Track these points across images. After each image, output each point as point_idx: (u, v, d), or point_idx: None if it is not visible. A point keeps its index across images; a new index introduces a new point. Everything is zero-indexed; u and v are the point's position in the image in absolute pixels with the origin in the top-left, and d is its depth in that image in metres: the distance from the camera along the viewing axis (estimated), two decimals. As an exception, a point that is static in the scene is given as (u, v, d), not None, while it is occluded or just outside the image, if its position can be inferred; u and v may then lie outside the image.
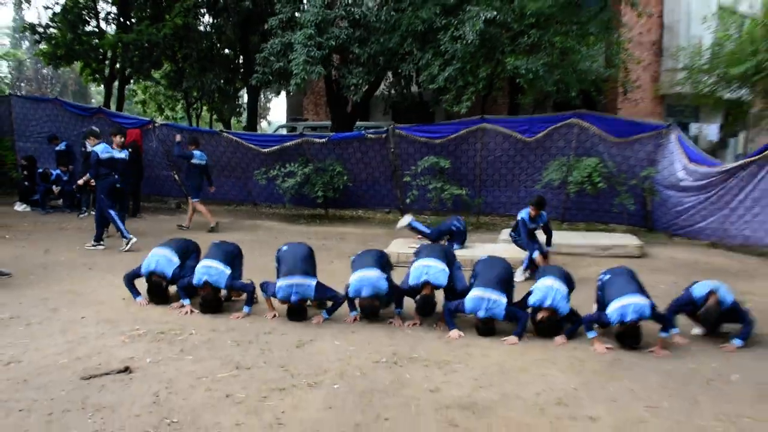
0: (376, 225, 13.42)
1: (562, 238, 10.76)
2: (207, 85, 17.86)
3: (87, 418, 4.03)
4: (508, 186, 13.46)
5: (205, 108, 23.45)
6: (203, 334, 5.96)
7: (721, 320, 6.15)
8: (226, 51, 19.28)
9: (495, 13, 12.68)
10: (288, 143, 13.92)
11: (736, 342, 5.93)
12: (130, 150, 11.31)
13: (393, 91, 17.84)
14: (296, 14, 14.37)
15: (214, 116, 25.34)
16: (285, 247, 7.07)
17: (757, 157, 10.84)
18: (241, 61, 19.73)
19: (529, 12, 13.07)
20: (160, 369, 4.94)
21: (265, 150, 13.99)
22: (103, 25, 20.26)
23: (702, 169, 11.64)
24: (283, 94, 22.44)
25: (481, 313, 6.03)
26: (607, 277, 6.36)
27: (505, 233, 11.21)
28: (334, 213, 14.21)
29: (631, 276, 6.25)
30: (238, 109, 22.25)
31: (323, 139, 13.72)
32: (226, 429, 3.93)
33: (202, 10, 18.48)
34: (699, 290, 6.19)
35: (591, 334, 5.88)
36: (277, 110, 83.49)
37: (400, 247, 10.15)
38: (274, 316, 6.61)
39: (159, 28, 16.87)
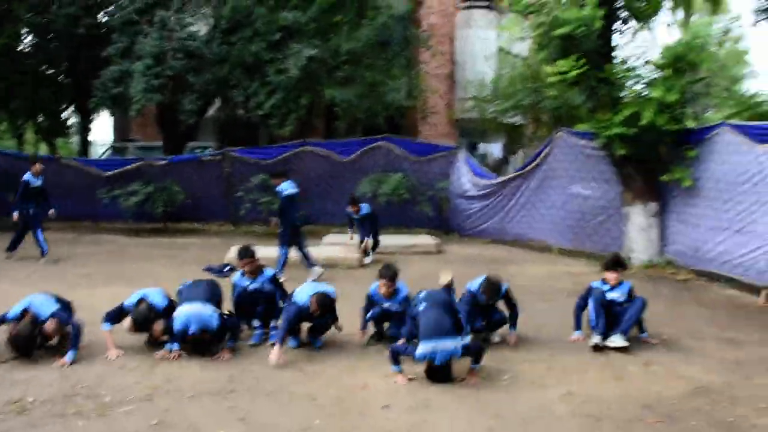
0: (212, 235, 14.86)
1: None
2: (37, 105, 18.18)
3: None
4: (328, 199, 15.54)
5: (29, 130, 23.19)
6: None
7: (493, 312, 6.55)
8: (54, 73, 19.41)
9: (315, 50, 14.75)
10: (130, 166, 15.07)
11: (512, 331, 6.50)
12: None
13: (222, 115, 19.33)
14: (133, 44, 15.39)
15: (39, 137, 25.03)
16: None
17: (521, 172, 13.93)
18: (70, 84, 20.03)
19: (344, 50, 15.38)
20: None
21: (107, 174, 15.04)
22: None
23: (483, 182, 14.54)
24: (107, 114, 22.93)
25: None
26: (422, 307, 5.61)
27: (328, 238, 13.35)
28: (174, 226, 15.44)
29: (444, 310, 5.61)
30: (65, 130, 22.34)
31: (163, 162, 15.05)
32: None
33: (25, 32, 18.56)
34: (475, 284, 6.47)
35: (395, 368, 5.44)
36: (100, 130, 79.50)
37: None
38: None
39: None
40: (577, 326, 6.73)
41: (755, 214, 9.25)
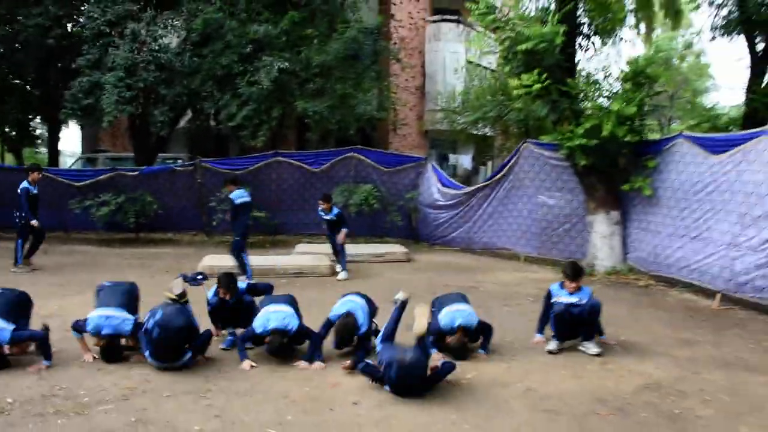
0: (185, 245, 14.96)
1: (346, 249, 13.28)
2: (3, 115, 18.08)
3: None
4: (300, 209, 15.74)
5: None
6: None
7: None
8: (21, 83, 19.25)
9: (286, 63, 14.99)
10: (101, 177, 15.11)
11: (482, 352, 6.49)
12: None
13: (193, 126, 19.45)
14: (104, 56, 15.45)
15: (5, 147, 24.72)
16: (107, 283, 6.76)
17: (488, 182, 14.29)
18: (38, 95, 19.89)
19: (315, 63, 15.63)
20: None
21: (78, 184, 15.08)
22: None
23: (451, 192, 14.87)
24: (76, 125, 22.84)
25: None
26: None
27: (299, 247, 13.56)
28: (146, 236, 15.51)
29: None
30: (32, 141, 22.12)
31: (135, 173, 15.15)
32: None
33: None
34: (445, 320, 6.39)
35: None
36: (68, 140, 78.61)
37: (213, 261, 11.89)
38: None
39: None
40: (540, 330, 6.99)
41: (710, 221, 9.69)
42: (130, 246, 14.73)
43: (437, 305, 6.70)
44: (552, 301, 6.72)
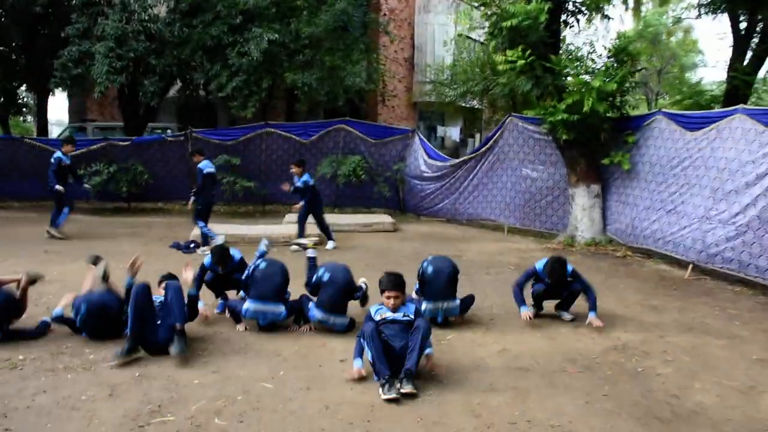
0: (176, 215, 15.24)
1: (335, 219, 13.62)
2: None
3: None
4: (289, 179, 15.98)
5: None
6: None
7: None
8: (7, 51, 19.16)
9: (276, 35, 15.15)
10: (93, 146, 15.29)
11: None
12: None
13: (182, 96, 19.57)
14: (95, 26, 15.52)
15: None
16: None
17: (474, 154, 14.61)
18: (24, 63, 19.85)
19: (304, 35, 15.81)
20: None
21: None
22: None
23: (438, 164, 15.20)
24: (62, 94, 22.84)
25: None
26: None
27: (288, 217, 13.87)
28: (137, 206, 15.78)
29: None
30: (19, 110, 22.08)
31: (126, 143, 15.36)
32: None
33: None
34: (429, 310, 6.46)
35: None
36: (54, 110, 77.53)
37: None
38: None
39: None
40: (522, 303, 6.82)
41: (684, 195, 10.10)
42: (122, 215, 15.00)
43: (426, 279, 6.61)
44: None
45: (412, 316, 5.23)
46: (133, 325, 5.27)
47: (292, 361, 5.39)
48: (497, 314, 7.05)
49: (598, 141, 11.67)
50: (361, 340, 5.02)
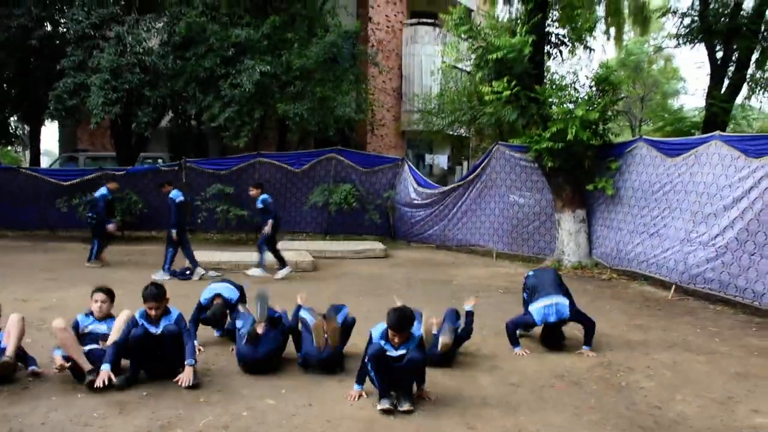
0: (170, 244, 15.46)
1: (326, 246, 13.92)
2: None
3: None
4: (281, 207, 16.28)
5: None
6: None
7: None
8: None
9: (268, 66, 15.52)
10: (88, 176, 15.56)
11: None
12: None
13: (174, 126, 19.90)
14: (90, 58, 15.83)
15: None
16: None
17: (462, 182, 14.99)
18: (16, 94, 19.98)
19: (295, 67, 16.19)
20: None
21: (66, 183, 15.58)
22: None
23: (427, 191, 15.55)
24: (52, 124, 23.01)
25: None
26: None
27: (280, 244, 14.00)
28: (130, 234, 15.98)
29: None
30: (10, 140, 22.25)
31: (122, 172, 15.60)
32: None
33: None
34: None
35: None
36: (44, 140, 77.25)
37: (198, 257, 12.39)
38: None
39: None
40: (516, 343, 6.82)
41: (666, 219, 10.48)
42: (116, 244, 15.14)
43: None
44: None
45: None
46: (133, 360, 5.48)
47: (293, 380, 5.62)
48: (488, 335, 7.30)
49: (582, 168, 12.05)
50: (368, 366, 5.06)
